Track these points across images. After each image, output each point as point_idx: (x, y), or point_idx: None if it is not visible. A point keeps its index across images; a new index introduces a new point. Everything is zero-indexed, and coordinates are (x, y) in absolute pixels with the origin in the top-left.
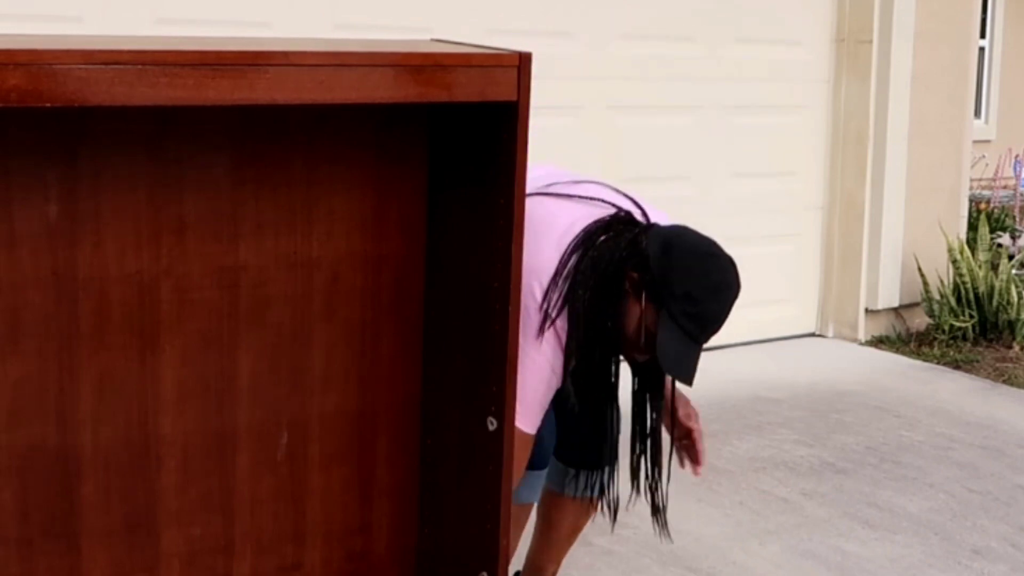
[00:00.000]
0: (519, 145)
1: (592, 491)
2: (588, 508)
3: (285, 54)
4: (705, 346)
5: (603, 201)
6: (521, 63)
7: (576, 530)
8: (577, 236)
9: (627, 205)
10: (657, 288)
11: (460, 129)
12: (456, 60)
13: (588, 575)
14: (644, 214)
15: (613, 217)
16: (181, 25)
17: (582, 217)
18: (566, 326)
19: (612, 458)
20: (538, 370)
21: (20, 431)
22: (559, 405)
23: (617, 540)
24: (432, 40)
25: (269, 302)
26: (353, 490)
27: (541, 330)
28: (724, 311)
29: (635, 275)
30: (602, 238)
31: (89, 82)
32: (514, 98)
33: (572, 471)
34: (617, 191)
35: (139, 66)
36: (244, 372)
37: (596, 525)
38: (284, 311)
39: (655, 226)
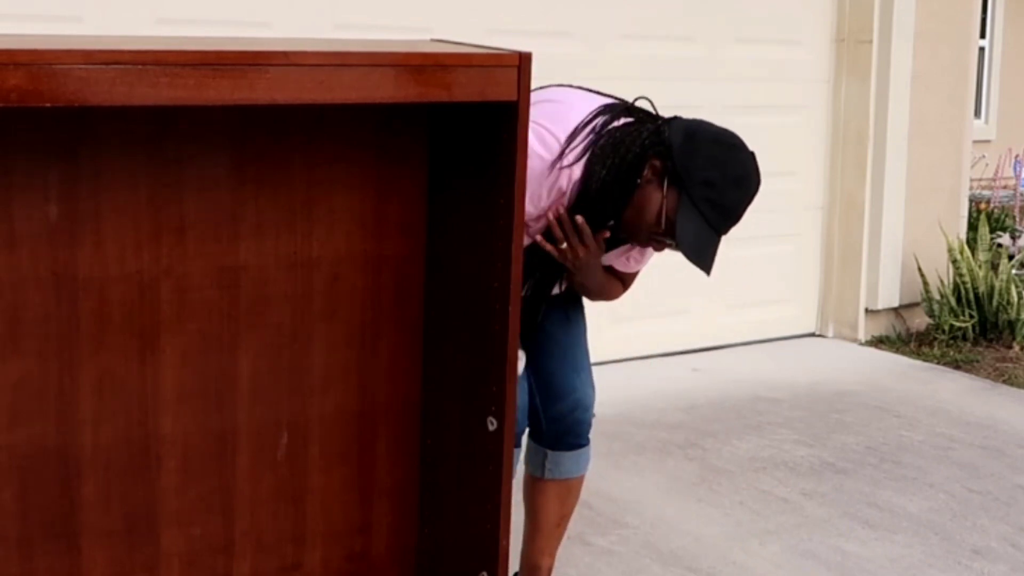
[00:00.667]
0: (519, 145)
1: (571, 472)
2: (570, 490)
3: (285, 54)
4: (705, 345)
5: (623, 100)
6: (521, 63)
7: (564, 516)
8: (605, 103)
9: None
10: (679, 174)
11: (460, 129)
12: (456, 60)
13: (588, 575)
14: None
15: (635, 104)
16: (181, 25)
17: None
18: (577, 184)
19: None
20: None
21: (20, 431)
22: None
23: (617, 540)
24: (432, 40)
25: (269, 302)
26: (353, 490)
27: (551, 168)
28: (745, 201)
29: (658, 163)
30: (624, 119)
31: (89, 82)
32: (514, 98)
33: (550, 453)
34: None
35: (140, 66)
36: (244, 372)
37: (596, 525)
38: (284, 311)
39: (677, 118)
